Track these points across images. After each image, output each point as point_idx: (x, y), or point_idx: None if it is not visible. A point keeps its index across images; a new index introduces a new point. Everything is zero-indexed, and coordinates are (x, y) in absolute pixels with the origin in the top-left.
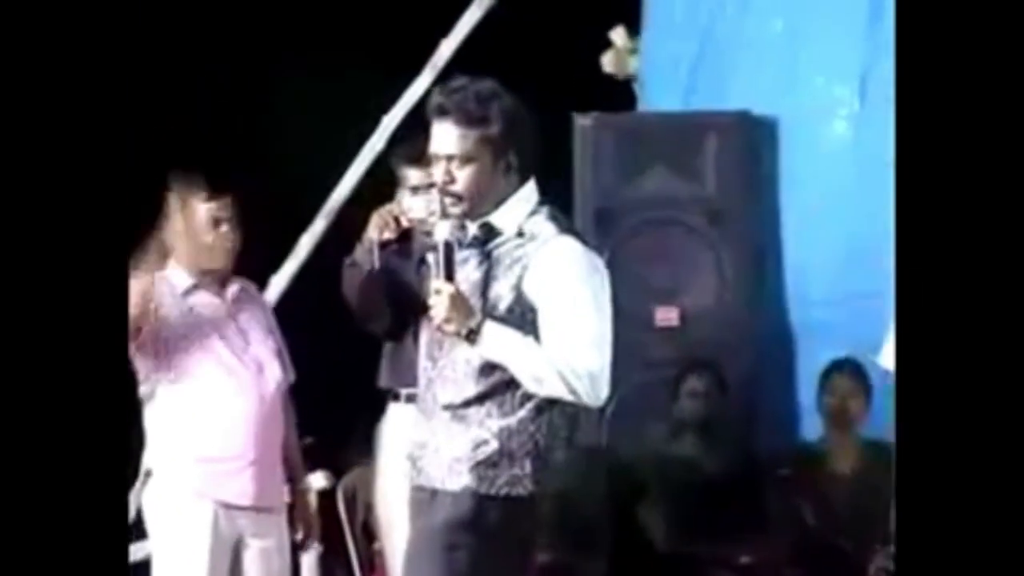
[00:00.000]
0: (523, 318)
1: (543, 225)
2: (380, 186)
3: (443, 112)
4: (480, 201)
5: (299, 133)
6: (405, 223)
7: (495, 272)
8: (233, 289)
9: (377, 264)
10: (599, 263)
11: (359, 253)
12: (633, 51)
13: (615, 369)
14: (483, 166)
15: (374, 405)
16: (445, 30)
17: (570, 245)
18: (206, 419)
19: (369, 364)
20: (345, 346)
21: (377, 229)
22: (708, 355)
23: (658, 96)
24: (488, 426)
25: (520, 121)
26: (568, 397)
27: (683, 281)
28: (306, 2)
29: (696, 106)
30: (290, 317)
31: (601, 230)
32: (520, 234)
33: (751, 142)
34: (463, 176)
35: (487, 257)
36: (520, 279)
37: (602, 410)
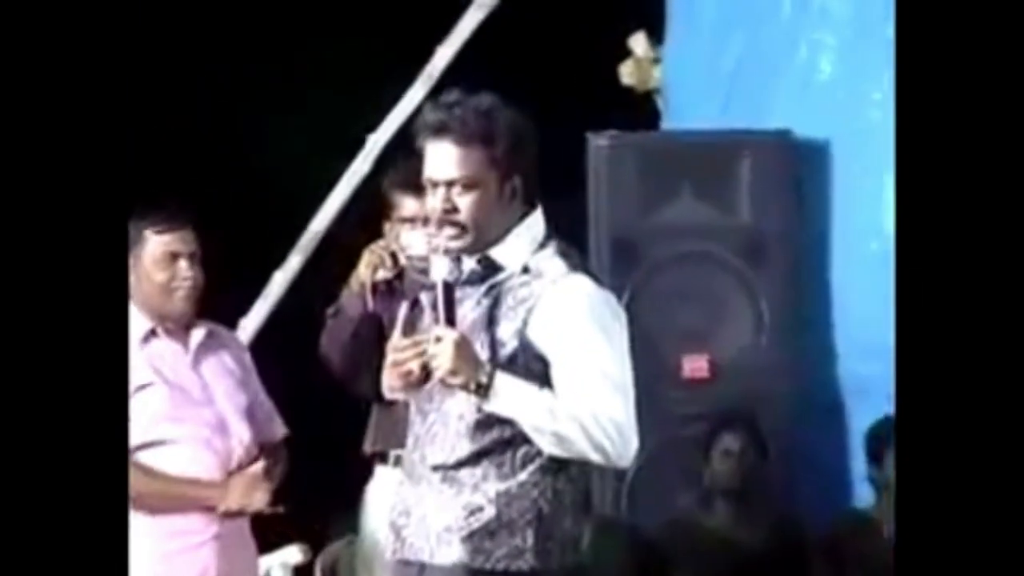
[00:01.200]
0: (527, 368)
1: (552, 261)
2: (366, 217)
3: (441, 130)
4: (483, 233)
5: (272, 155)
6: (403, 261)
7: (496, 313)
8: (198, 335)
9: (370, 310)
10: (616, 306)
11: (346, 298)
12: (656, 60)
13: (638, 428)
14: (488, 192)
15: (359, 468)
16: (441, 35)
17: (582, 284)
18: None
19: (353, 421)
20: (324, 400)
21: (370, 269)
22: (743, 410)
23: (685, 112)
24: (484, 490)
25: (526, 139)
26: (594, 456)
27: (714, 326)
28: (278, 6)
29: (730, 123)
30: (260, 367)
31: (619, 267)
32: (525, 271)
33: (793, 165)
34: (466, 204)
35: (487, 295)
36: (525, 323)
37: (620, 474)
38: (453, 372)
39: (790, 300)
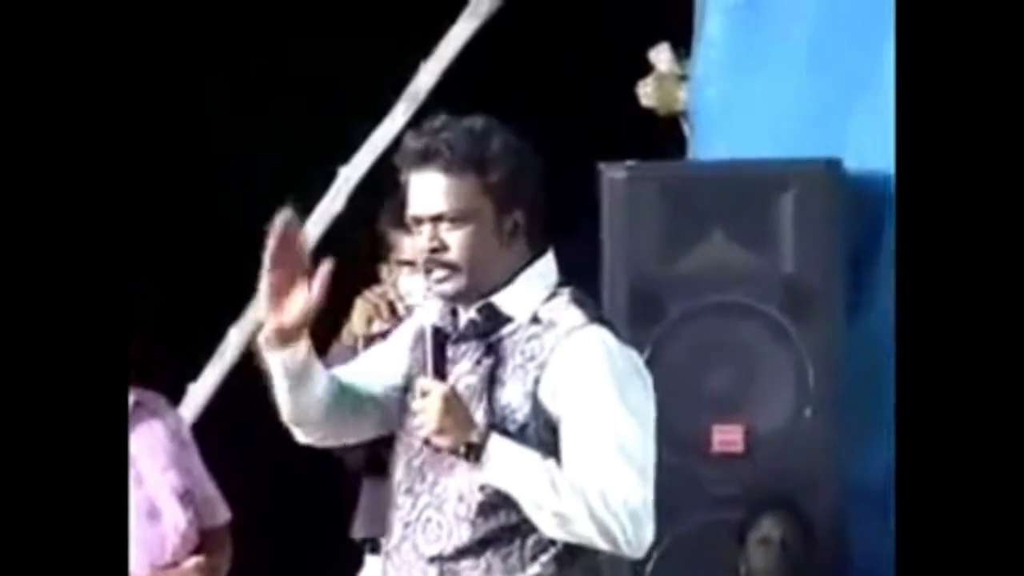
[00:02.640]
0: (540, 440)
1: (566, 311)
2: (342, 261)
3: (425, 158)
4: (481, 275)
5: (229, 189)
6: (401, 311)
7: (501, 373)
8: None
9: None
10: (641, 366)
11: (336, 354)
12: (682, 78)
13: (659, 510)
14: (483, 227)
15: (344, 561)
16: (427, 49)
17: (603, 338)
18: None
19: (334, 505)
20: (297, 479)
21: (364, 320)
22: (784, 491)
23: (716, 138)
24: None
25: (527, 167)
26: (600, 542)
27: (750, 391)
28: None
29: (769, 152)
30: (216, 440)
31: (639, 320)
32: (536, 321)
33: (843, 201)
34: (457, 241)
35: (489, 352)
36: (536, 383)
37: (641, 564)
38: (440, 431)
39: (839, 361)
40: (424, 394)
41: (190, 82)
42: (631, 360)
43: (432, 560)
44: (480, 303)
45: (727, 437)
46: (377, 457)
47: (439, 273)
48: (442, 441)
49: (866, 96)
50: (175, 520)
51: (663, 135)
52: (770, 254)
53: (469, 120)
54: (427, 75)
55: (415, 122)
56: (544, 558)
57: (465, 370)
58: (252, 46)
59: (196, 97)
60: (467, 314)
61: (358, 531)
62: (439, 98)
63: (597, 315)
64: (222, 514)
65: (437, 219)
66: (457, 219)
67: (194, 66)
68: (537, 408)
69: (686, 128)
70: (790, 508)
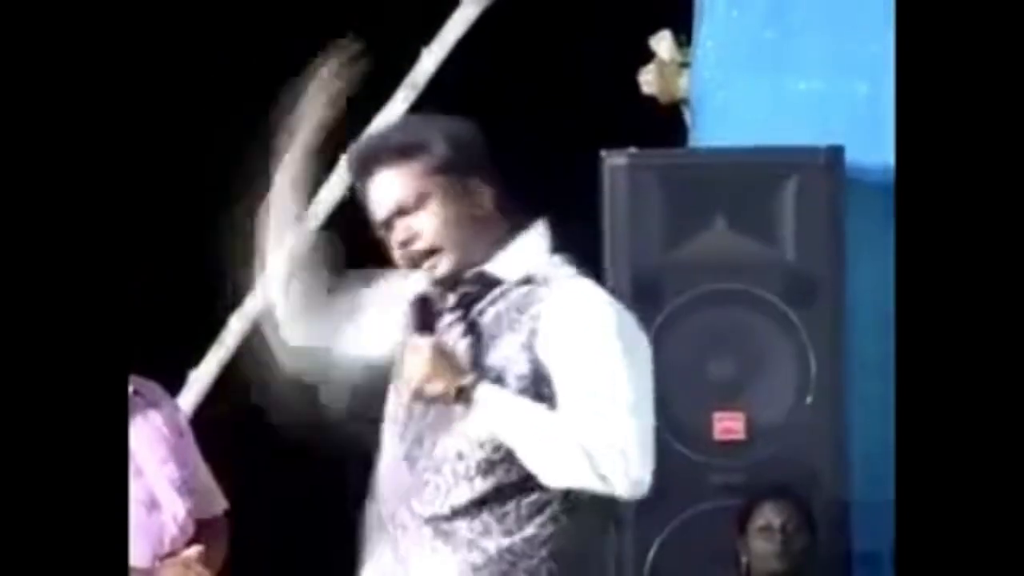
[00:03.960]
0: (539, 390)
1: (560, 268)
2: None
3: (367, 163)
4: (465, 249)
5: (228, 178)
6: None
7: (495, 330)
8: None
9: None
10: (635, 323)
11: None
12: (683, 65)
13: (660, 498)
14: (445, 204)
15: (345, 550)
16: (428, 36)
17: (595, 290)
18: None
19: (334, 493)
20: (297, 467)
21: None
22: (785, 479)
23: (717, 126)
24: (483, 547)
25: (469, 140)
26: (593, 483)
27: (751, 379)
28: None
29: (771, 139)
30: (217, 429)
31: (640, 308)
32: (527, 281)
33: (847, 190)
34: (425, 225)
35: (482, 314)
36: (533, 334)
37: (641, 552)
38: (430, 378)
39: (841, 349)
40: (413, 351)
41: (188, 68)
42: (623, 316)
43: (428, 521)
44: (471, 273)
45: (728, 425)
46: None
47: (426, 262)
48: (432, 388)
49: (867, 87)
50: (174, 510)
51: (664, 123)
52: (772, 242)
53: (402, 119)
54: (428, 62)
55: (416, 109)
56: (540, 519)
57: (458, 333)
58: (251, 36)
59: (196, 84)
60: (461, 287)
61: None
62: (439, 85)
63: (580, 271)
64: (219, 503)
65: (400, 214)
66: (416, 205)
67: (192, 56)
68: (535, 360)
69: (687, 116)
70: (791, 495)
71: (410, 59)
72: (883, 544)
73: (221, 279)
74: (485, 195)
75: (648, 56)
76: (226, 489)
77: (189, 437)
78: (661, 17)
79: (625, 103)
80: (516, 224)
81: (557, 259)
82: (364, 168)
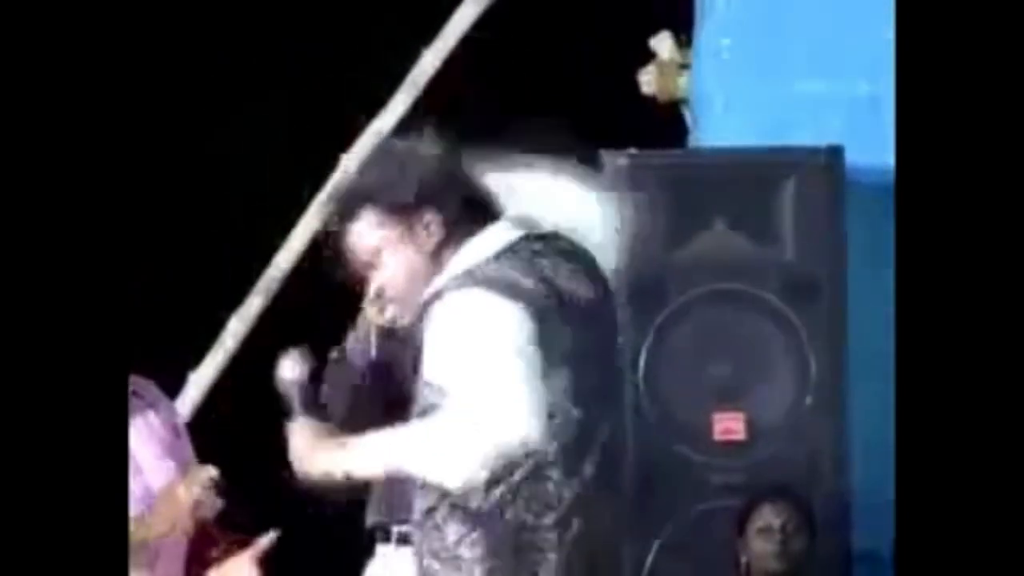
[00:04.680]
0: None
1: (459, 279)
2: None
3: (340, 216)
4: (415, 290)
5: (226, 175)
6: None
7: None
8: None
9: (374, 358)
10: (504, 321)
11: (351, 342)
12: (683, 66)
13: (659, 498)
14: (399, 249)
15: (354, 549)
16: (428, 36)
17: (467, 299)
18: None
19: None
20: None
21: (377, 310)
22: (785, 479)
23: (717, 126)
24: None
25: (415, 170)
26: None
27: (751, 379)
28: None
29: (770, 140)
30: (214, 430)
31: (640, 308)
32: (436, 296)
33: (846, 190)
34: (385, 276)
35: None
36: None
37: (640, 553)
38: (310, 458)
39: (841, 349)
40: (294, 433)
41: (189, 69)
42: (496, 314)
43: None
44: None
45: (728, 425)
46: None
47: (385, 311)
48: (313, 467)
49: (867, 87)
50: None
51: (664, 123)
52: (772, 242)
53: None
54: (428, 62)
55: (415, 110)
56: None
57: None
58: (250, 35)
59: (195, 84)
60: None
61: (370, 518)
62: (439, 85)
63: (486, 279)
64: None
65: (368, 267)
66: (376, 257)
67: (192, 55)
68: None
69: (687, 116)
70: (791, 495)
71: (410, 59)
72: (883, 544)
73: (221, 279)
74: (437, 222)
75: (648, 56)
76: (230, 488)
77: (185, 438)
78: (661, 17)
79: (625, 103)
80: (464, 237)
81: (475, 266)
82: (336, 219)
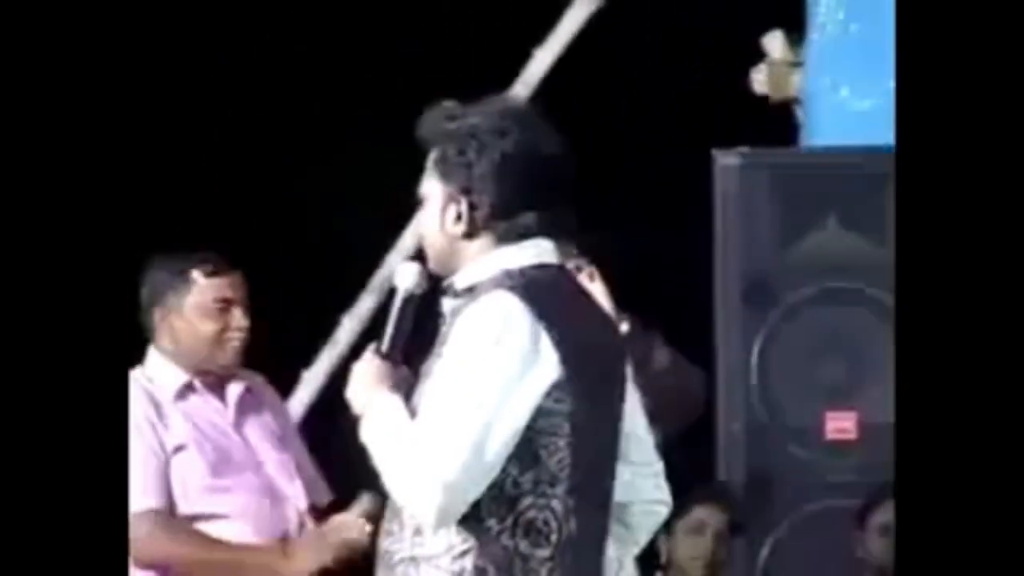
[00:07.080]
0: None
1: (493, 280)
2: None
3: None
4: (434, 257)
5: (335, 183)
6: None
7: (443, 341)
8: (236, 390)
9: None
10: (528, 335)
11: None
12: (795, 64)
13: (774, 496)
14: (431, 208)
15: None
16: (539, 36)
17: (495, 302)
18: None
19: None
20: None
21: None
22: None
23: (828, 125)
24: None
25: (480, 155)
26: (401, 500)
27: (864, 378)
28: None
29: (882, 139)
30: (328, 425)
31: (751, 308)
32: (469, 291)
33: None
34: (420, 220)
35: (443, 324)
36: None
37: (753, 551)
38: (353, 395)
39: None
40: (361, 361)
41: (190, 67)
42: (511, 324)
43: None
44: (445, 283)
45: (840, 424)
46: None
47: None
48: (354, 398)
49: None
50: (296, 499)
51: (776, 122)
52: (884, 241)
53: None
54: (540, 62)
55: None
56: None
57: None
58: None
59: (197, 82)
60: (441, 296)
61: None
62: (551, 85)
63: (517, 284)
64: (324, 496)
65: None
66: (420, 203)
67: (193, 54)
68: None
69: (799, 115)
70: None
71: (522, 59)
72: None
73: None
74: (465, 217)
75: (760, 55)
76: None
77: (295, 431)
78: (773, 16)
79: (737, 102)
80: (505, 239)
81: (516, 270)
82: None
